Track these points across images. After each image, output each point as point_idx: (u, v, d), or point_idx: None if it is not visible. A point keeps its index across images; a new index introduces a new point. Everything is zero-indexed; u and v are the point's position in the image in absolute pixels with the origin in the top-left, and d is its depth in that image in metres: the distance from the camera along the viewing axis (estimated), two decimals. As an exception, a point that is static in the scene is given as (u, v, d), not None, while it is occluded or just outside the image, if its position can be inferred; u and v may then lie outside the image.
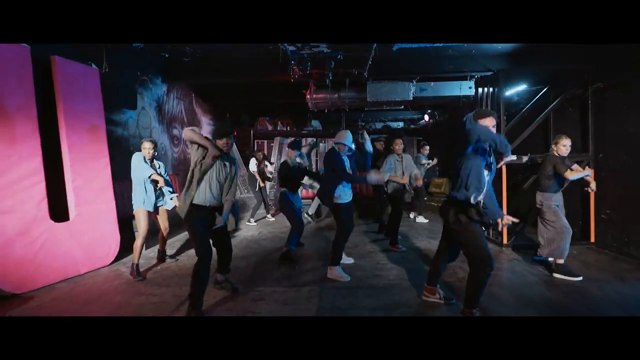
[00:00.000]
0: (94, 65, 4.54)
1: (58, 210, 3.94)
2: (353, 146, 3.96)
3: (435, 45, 4.22)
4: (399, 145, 5.11)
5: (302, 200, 5.54)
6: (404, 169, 5.10)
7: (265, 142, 10.23)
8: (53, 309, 3.14)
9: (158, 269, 4.24)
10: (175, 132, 7.42)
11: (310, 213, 6.74)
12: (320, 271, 3.99)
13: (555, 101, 5.13)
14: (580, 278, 3.63)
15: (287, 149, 5.01)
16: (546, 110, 5.14)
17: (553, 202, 3.81)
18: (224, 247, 3.31)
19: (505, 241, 4.86)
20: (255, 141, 10.24)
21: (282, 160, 6.17)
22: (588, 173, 3.82)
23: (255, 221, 6.99)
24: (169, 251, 4.78)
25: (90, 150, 4.26)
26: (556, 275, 3.73)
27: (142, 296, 3.40)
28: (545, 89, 5.52)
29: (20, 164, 3.48)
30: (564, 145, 3.77)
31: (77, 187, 4.06)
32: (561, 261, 3.76)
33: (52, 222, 3.78)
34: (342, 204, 3.80)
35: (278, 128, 10.91)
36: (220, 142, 3.03)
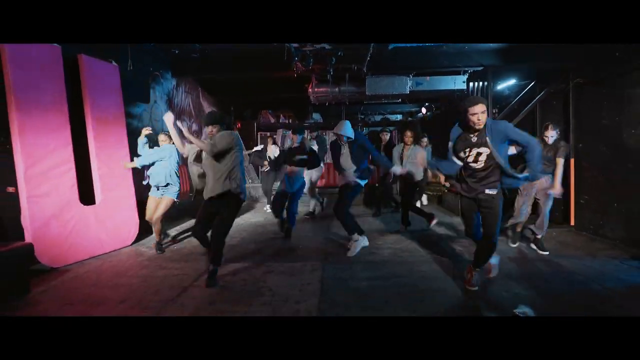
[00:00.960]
0: (114, 63, 4.92)
1: (85, 195, 4.36)
2: (352, 135, 4.28)
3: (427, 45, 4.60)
4: (407, 137, 5.25)
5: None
6: (405, 162, 5.22)
7: (268, 133, 10.60)
8: (88, 279, 3.58)
9: (175, 248, 4.68)
10: (184, 124, 7.81)
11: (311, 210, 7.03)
12: (321, 252, 4.43)
13: (540, 94, 5.51)
14: (547, 252, 4.14)
15: (290, 135, 5.33)
16: (532, 103, 5.54)
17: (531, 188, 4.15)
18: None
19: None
20: (259, 133, 10.61)
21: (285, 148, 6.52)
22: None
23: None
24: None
25: (112, 140, 4.67)
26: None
27: (164, 269, 3.83)
28: (532, 84, 5.90)
29: (55, 152, 3.90)
30: (546, 137, 4.05)
31: (102, 174, 4.47)
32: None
33: (82, 205, 4.20)
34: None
35: (280, 120, 11.28)
36: (207, 130, 3.38)
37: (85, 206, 4.25)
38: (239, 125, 10.44)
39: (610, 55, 4.53)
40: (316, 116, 11.58)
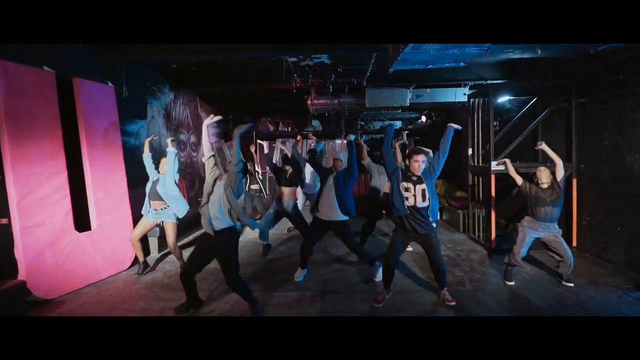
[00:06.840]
0: (109, 83, 4.84)
1: (79, 220, 4.29)
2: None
3: (429, 67, 4.54)
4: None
5: None
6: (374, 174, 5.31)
7: (266, 142, 10.52)
8: (84, 312, 3.52)
9: (172, 273, 4.61)
10: (182, 137, 7.74)
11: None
12: (319, 278, 4.37)
13: (543, 113, 5.45)
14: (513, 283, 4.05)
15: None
16: (534, 122, 5.46)
17: (527, 225, 4.03)
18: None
19: (493, 245, 5.23)
20: (257, 141, 10.53)
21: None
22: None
23: None
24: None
25: (108, 163, 4.59)
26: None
27: (161, 301, 3.77)
28: (534, 99, 5.83)
29: (50, 180, 3.83)
30: (542, 183, 3.96)
31: (97, 199, 4.40)
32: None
33: (77, 232, 4.14)
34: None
35: (280, 128, 11.19)
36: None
37: (81, 233, 4.19)
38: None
39: (611, 78, 4.47)
40: (315, 123, 11.50)
